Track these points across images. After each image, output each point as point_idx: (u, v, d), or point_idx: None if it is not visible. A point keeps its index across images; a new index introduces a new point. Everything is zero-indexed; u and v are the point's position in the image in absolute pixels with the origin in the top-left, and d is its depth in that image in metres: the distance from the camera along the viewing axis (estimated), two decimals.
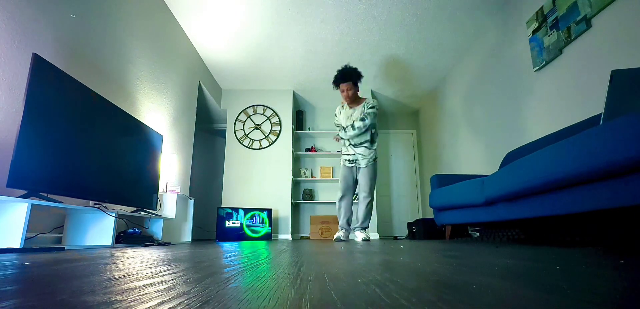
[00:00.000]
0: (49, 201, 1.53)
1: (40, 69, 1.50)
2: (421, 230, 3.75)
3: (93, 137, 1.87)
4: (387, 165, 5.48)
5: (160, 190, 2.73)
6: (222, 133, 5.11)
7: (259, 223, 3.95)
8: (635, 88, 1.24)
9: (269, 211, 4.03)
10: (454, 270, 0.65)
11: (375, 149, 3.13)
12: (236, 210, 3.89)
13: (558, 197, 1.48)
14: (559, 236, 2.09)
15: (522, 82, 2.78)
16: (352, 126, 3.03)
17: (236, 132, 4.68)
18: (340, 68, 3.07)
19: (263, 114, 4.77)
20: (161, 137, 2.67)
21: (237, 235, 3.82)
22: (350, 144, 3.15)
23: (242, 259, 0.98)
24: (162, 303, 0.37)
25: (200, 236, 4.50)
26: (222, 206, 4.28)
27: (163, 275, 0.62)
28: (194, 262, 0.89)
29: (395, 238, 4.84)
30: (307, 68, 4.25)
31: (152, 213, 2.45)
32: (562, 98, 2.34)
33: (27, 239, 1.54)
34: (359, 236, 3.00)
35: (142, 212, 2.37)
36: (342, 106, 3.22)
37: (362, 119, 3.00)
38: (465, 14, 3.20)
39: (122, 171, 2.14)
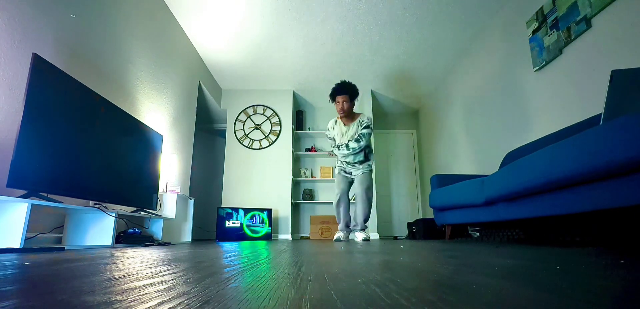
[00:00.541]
0: (49, 201, 1.53)
1: (40, 69, 1.50)
2: (421, 230, 3.75)
3: (93, 137, 1.87)
4: (387, 164, 5.48)
5: (160, 190, 2.73)
6: (222, 133, 5.11)
7: (259, 223, 3.95)
8: (635, 88, 1.24)
9: (269, 211, 4.03)
10: (454, 270, 0.65)
11: (369, 163, 3.13)
12: (236, 210, 3.90)
13: (558, 197, 1.48)
14: (559, 236, 2.09)
15: (522, 82, 2.78)
16: (347, 146, 2.99)
17: (236, 132, 4.68)
18: (339, 82, 3.06)
19: (263, 114, 4.77)
20: (161, 136, 2.67)
21: (237, 235, 3.82)
22: (346, 162, 3.15)
23: (242, 260, 0.98)
24: (162, 303, 0.37)
25: (200, 236, 4.50)
26: (222, 206, 4.28)
27: (163, 275, 0.62)
28: (194, 262, 0.89)
29: (395, 238, 4.84)
30: (307, 68, 4.25)
31: (152, 213, 2.46)
32: (562, 98, 2.33)
33: (27, 239, 1.54)
34: (359, 236, 3.00)
35: (142, 212, 2.37)
36: (336, 121, 3.17)
37: (357, 140, 2.96)
38: (465, 14, 3.20)
39: (122, 171, 2.14)
